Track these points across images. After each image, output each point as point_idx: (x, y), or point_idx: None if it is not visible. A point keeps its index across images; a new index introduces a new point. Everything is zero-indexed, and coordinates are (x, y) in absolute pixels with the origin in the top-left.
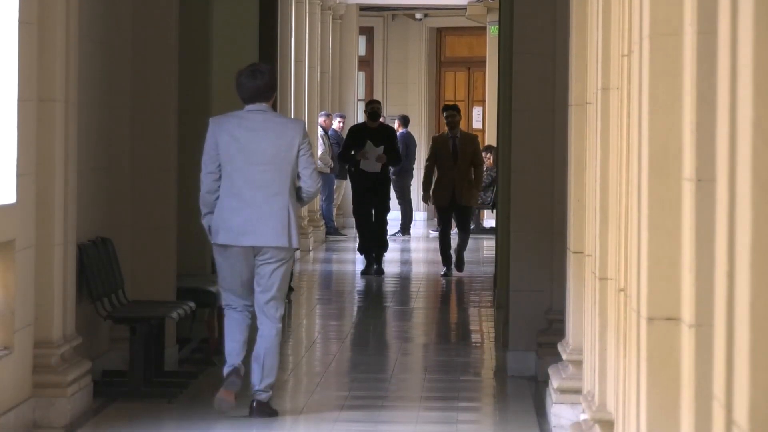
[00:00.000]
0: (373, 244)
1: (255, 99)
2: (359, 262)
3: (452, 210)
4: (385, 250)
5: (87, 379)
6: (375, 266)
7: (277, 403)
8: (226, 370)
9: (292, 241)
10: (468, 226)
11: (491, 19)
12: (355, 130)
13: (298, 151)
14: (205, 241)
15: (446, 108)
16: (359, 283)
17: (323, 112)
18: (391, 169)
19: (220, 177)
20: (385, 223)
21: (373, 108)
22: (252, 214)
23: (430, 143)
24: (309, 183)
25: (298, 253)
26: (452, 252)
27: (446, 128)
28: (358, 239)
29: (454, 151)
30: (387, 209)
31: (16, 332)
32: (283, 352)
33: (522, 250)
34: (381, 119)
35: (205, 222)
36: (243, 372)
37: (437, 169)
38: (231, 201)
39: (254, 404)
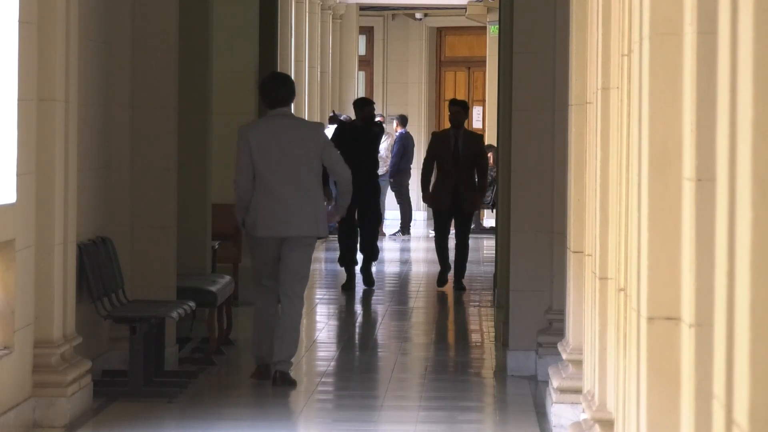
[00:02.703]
0: (355, 256)
1: (279, 104)
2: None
3: (451, 216)
4: (375, 260)
5: (87, 379)
6: (364, 276)
7: (277, 402)
8: (257, 363)
9: (320, 229)
10: (467, 234)
11: (491, 18)
12: (342, 129)
13: (322, 150)
14: (205, 240)
15: (453, 103)
16: (358, 284)
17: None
18: (381, 174)
19: (253, 177)
20: (375, 233)
21: (369, 113)
22: (286, 209)
23: (430, 138)
24: (340, 171)
25: None
26: (451, 262)
27: (449, 124)
28: (339, 250)
29: (455, 151)
30: (377, 215)
31: (16, 332)
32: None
33: (522, 250)
34: (380, 119)
35: (239, 216)
36: (268, 370)
37: (437, 169)
38: (266, 198)
39: (276, 374)
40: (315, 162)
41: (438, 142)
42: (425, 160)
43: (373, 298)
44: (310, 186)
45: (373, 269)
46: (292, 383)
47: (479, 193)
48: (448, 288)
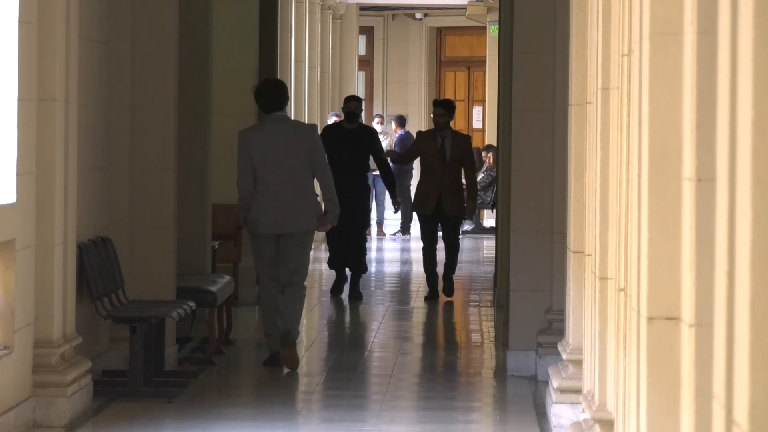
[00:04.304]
0: (346, 262)
1: (274, 109)
2: None
3: (437, 221)
4: (364, 272)
5: (87, 379)
6: (352, 289)
7: (277, 402)
8: (269, 352)
9: (314, 222)
10: (456, 241)
11: (491, 18)
12: (329, 131)
13: (310, 150)
14: (205, 240)
15: (436, 104)
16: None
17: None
18: (373, 176)
19: (254, 179)
20: (363, 240)
21: (350, 108)
22: (283, 207)
23: (415, 137)
24: (322, 175)
25: None
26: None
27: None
28: (328, 252)
29: (442, 152)
30: (364, 224)
31: (16, 332)
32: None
33: (522, 250)
34: (378, 121)
35: (241, 215)
36: (280, 358)
37: (421, 170)
38: (266, 198)
39: (287, 333)
40: (308, 161)
41: (423, 140)
42: (406, 152)
43: (373, 298)
44: (306, 184)
45: (370, 269)
46: (292, 344)
47: (470, 200)
48: (428, 306)
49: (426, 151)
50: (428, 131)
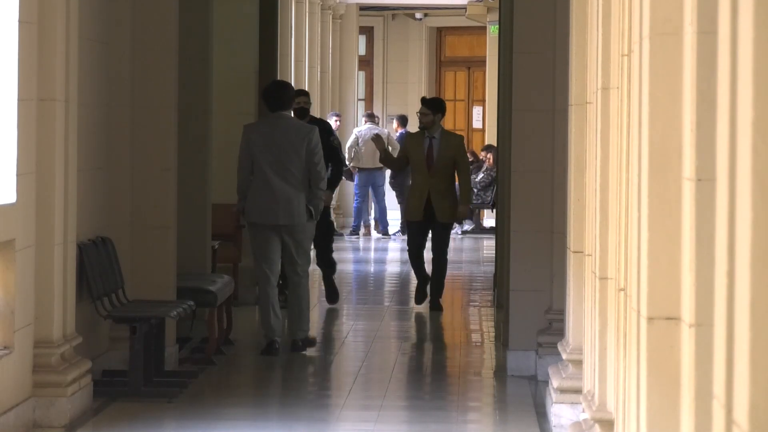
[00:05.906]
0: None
1: (279, 108)
2: (358, 261)
3: (427, 227)
4: (333, 272)
5: (87, 379)
6: (327, 292)
7: (276, 401)
8: (265, 341)
9: (308, 217)
10: (444, 256)
11: (491, 18)
12: None
13: (308, 149)
14: (205, 240)
15: (421, 102)
16: (358, 282)
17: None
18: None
19: (252, 171)
20: (329, 241)
21: (299, 103)
22: (278, 199)
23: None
24: (316, 172)
25: None
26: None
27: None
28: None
29: (429, 153)
30: (328, 225)
31: (16, 332)
32: (282, 352)
33: (522, 250)
34: (372, 117)
35: (240, 206)
36: (279, 344)
37: (411, 174)
38: (261, 188)
39: (298, 342)
40: (304, 159)
41: (411, 142)
42: (396, 158)
43: (373, 297)
44: (300, 179)
45: (370, 269)
46: (312, 343)
47: (462, 203)
48: (427, 308)
49: (413, 153)
50: (417, 132)
